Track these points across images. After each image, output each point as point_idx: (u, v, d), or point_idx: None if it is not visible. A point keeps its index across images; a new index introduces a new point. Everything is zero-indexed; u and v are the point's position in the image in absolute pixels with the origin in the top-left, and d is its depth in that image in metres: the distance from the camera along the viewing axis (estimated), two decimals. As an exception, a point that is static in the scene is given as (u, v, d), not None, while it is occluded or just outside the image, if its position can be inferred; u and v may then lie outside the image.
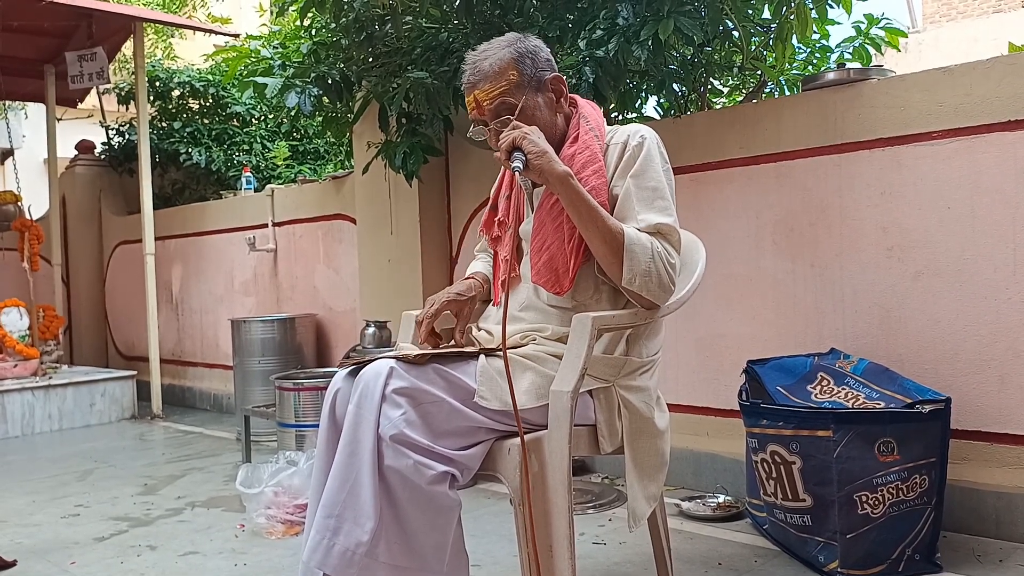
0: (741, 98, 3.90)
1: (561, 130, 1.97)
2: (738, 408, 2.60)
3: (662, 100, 3.78)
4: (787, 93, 3.71)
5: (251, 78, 3.88)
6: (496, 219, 2.07)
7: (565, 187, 1.79)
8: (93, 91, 6.54)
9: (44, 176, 7.11)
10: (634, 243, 1.79)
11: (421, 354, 1.74)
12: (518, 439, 1.71)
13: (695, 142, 3.14)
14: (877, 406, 2.30)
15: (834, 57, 3.74)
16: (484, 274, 2.12)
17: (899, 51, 3.54)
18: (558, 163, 1.80)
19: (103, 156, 7.09)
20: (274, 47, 4.10)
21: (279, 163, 6.38)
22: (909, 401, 2.30)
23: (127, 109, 6.70)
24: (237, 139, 6.51)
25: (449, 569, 1.72)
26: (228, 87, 6.29)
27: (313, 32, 3.88)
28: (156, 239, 5.54)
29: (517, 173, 1.78)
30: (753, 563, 2.43)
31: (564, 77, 1.99)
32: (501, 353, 1.76)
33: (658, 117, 3.79)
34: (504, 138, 1.81)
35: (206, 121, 6.61)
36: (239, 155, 6.43)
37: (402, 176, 3.72)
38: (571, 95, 2.02)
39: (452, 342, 1.98)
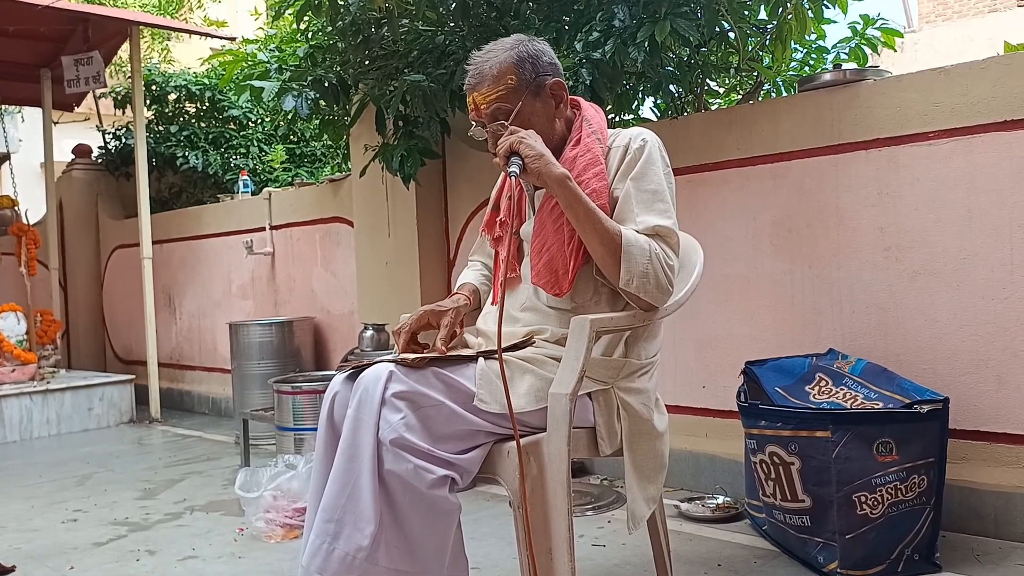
0: (738, 99, 3.91)
1: (561, 134, 1.97)
2: (737, 409, 2.61)
3: (659, 101, 3.78)
4: (784, 94, 3.72)
5: (248, 82, 3.88)
6: (497, 219, 2.07)
7: (563, 189, 1.79)
8: (90, 95, 6.53)
9: (41, 180, 7.09)
10: (632, 245, 1.79)
11: (420, 357, 1.74)
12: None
13: (692, 143, 3.15)
14: (875, 406, 2.31)
15: (830, 58, 3.74)
16: (473, 285, 2.12)
17: (895, 51, 3.54)
18: (555, 166, 1.80)
19: (100, 160, 7.09)
20: (271, 51, 4.10)
21: (276, 166, 6.38)
22: (907, 401, 2.30)
23: (124, 113, 6.68)
24: (234, 143, 6.50)
25: (449, 572, 1.72)
26: (225, 90, 6.28)
27: (310, 35, 3.88)
28: (153, 243, 5.53)
29: (513, 177, 1.79)
30: (752, 564, 2.43)
31: (565, 82, 1.99)
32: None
33: (655, 118, 3.79)
34: (501, 143, 1.81)
35: (203, 125, 6.59)
36: (236, 159, 6.42)
37: (399, 179, 3.72)
38: (574, 98, 2.02)
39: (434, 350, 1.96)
